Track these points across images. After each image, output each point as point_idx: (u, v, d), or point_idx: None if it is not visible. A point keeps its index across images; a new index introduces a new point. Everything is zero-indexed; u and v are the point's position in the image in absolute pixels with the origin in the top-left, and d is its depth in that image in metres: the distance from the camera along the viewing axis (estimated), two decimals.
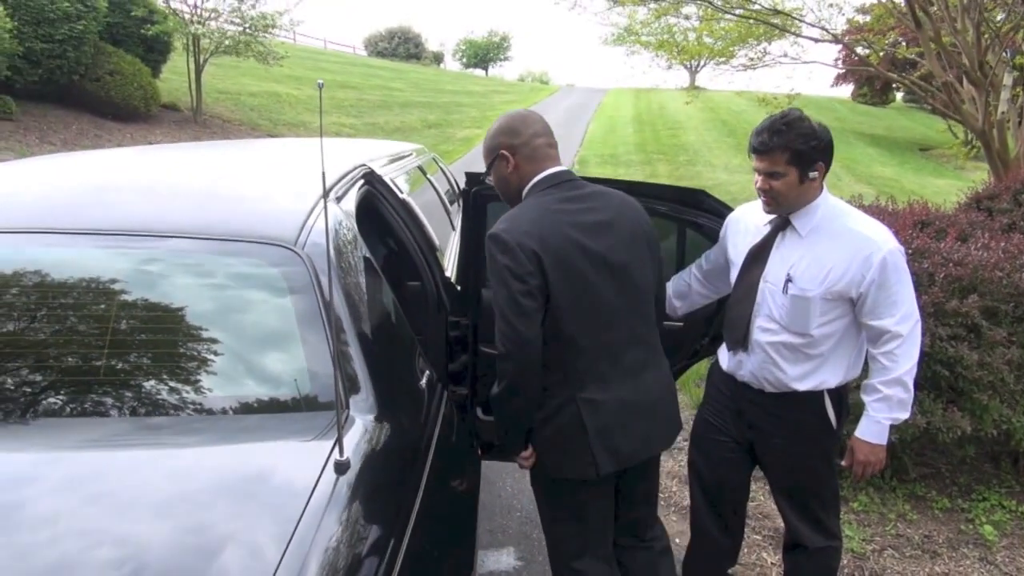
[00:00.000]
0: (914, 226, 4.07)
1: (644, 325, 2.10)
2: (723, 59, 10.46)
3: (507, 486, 3.63)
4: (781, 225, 2.32)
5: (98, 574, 1.11)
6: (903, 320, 2.19)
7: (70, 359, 1.63)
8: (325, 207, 1.57)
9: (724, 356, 2.52)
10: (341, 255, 1.92)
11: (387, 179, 2.90)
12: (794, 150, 2.16)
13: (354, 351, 1.70)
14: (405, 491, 1.53)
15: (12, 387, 1.57)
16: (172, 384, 1.62)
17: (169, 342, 1.69)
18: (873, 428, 2.25)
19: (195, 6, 16.40)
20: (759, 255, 2.37)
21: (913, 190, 15.36)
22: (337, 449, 1.37)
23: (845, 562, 3.02)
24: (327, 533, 1.24)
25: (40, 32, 13.02)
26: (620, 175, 15.45)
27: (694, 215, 2.79)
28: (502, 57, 55.35)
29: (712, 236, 2.64)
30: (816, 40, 9.07)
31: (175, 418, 1.56)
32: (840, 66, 10.49)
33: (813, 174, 2.20)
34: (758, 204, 2.47)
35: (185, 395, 1.60)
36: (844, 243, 2.21)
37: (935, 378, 3.19)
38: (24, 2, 12.85)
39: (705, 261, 2.64)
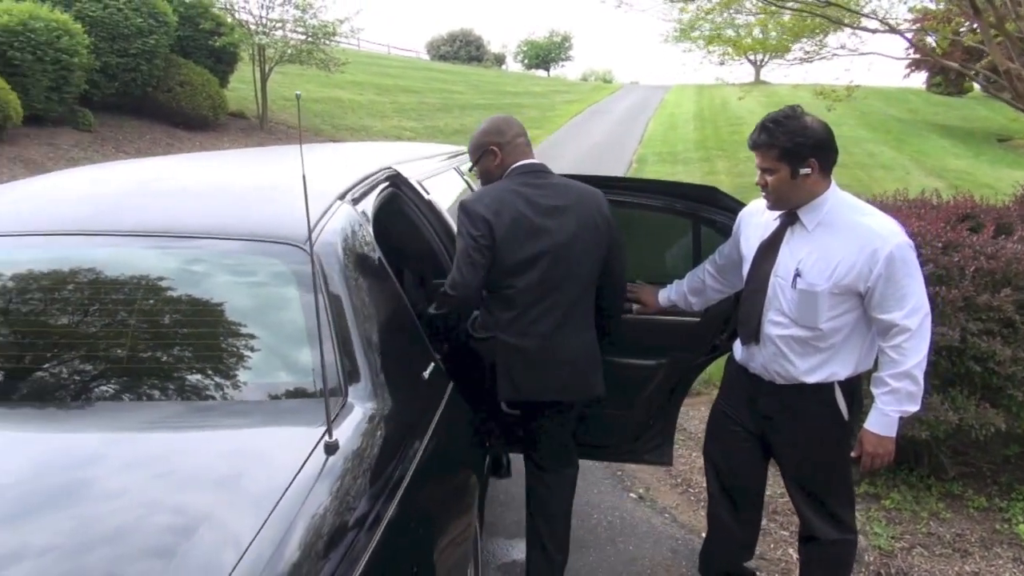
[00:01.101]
0: (958, 219, 3.97)
1: (570, 297, 2.49)
2: (778, 53, 10.28)
3: None
4: (789, 220, 2.34)
5: (117, 522, 1.25)
6: (911, 314, 2.18)
7: (100, 348, 1.78)
8: (307, 211, 1.68)
9: (738, 348, 2.55)
10: (350, 254, 2.03)
11: (413, 181, 3.00)
12: (782, 147, 2.20)
13: (356, 344, 1.81)
14: (396, 475, 1.63)
15: (31, 385, 1.73)
16: (192, 372, 1.76)
17: (190, 335, 1.83)
18: (882, 420, 2.25)
19: (260, 17, 16.94)
20: (769, 249, 2.39)
21: (988, 183, 14.77)
22: (327, 431, 1.48)
23: (872, 559, 3.00)
24: (310, 507, 1.34)
25: (115, 47, 13.68)
26: (678, 172, 15.31)
27: (708, 211, 2.82)
28: (563, 57, 55.26)
29: (726, 232, 2.67)
30: (872, 31, 8.85)
31: (191, 403, 1.70)
32: (906, 56, 10.11)
33: (805, 170, 2.22)
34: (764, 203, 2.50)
35: (200, 382, 1.74)
36: (851, 237, 2.22)
37: (968, 374, 3.14)
38: (101, 19, 13.52)
39: (719, 256, 2.67)
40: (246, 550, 1.21)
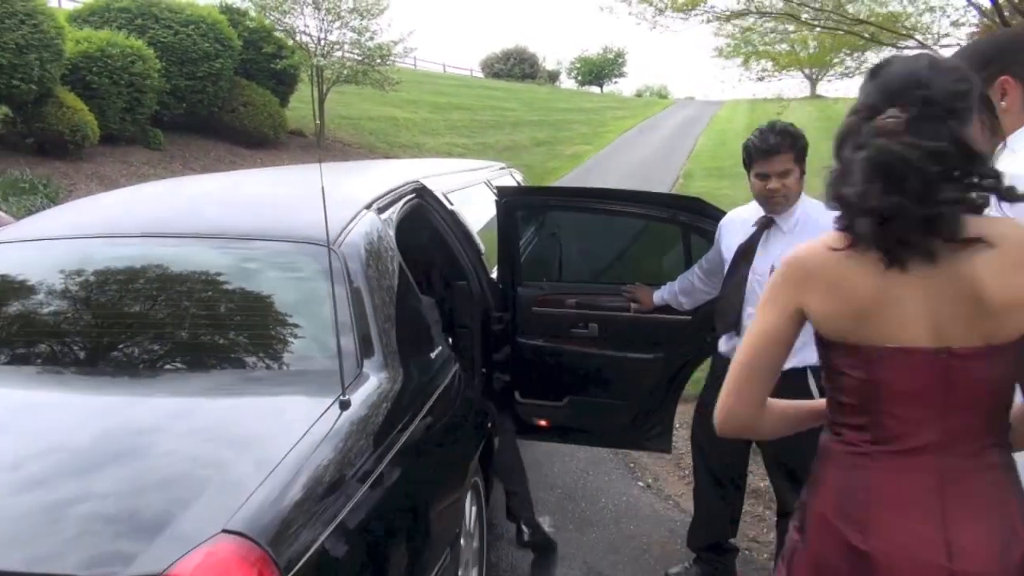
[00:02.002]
0: None
1: None
2: (817, 68, 10.43)
3: (554, 467, 4.03)
4: (766, 224, 2.64)
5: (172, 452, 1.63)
6: None
7: (167, 328, 2.19)
8: (325, 219, 2.06)
9: (722, 340, 2.84)
10: (371, 254, 2.40)
11: (438, 193, 3.38)
12: (797, 149, 2.51)
13: (372, 327, 2.18)
14: (399, 430, 1.99)
15: (107, 358, 2.14)
16: (232, 353, 2.15)
17: (237, 318, 2.23)
18: None
19: (319, 40, 17.72)
20: (747, 251, 2.69)
21: None
22: (342, 392, 1.85)
23: None
24: (319, 451, 1.70)
25: (184, 71, 14.53)
26: (723, 187, 15.43)
27: (696, 220, 3.13)
28: (617, 73, 55.52)
29: (711, 238, 2.98)
30: (914, 48, 8.98)
31: (238, 372, 2.08)
32: None
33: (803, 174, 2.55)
34: (746, 207, 2.80)
35: (242, 360, 2.13)
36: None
37: None
38: (171, 44, 14.39)
39: (705, 261, 2.98)
40: (272, 471, 1.57)
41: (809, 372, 2.59)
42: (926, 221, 1.23)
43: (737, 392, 1.43)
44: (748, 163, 2.63)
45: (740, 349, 1.44)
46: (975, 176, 1.26)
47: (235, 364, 2.10)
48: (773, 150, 2.55)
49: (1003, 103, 1.64)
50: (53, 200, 10.26)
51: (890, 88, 1.30)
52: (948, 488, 1.29)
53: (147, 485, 1.54)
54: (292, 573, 1.43)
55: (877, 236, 1.26)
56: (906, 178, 1.22)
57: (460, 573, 2.35)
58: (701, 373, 3.53)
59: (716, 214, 3.02)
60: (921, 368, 1.29)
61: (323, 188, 2.06)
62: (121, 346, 2.14)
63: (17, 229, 2.63)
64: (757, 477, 3.53)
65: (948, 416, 1.30)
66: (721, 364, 2.86)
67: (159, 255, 2.32)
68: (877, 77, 1.35)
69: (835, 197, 1.32)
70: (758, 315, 1.42)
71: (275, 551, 1.41)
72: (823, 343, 1.38)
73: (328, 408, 1.83)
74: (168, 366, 2.09)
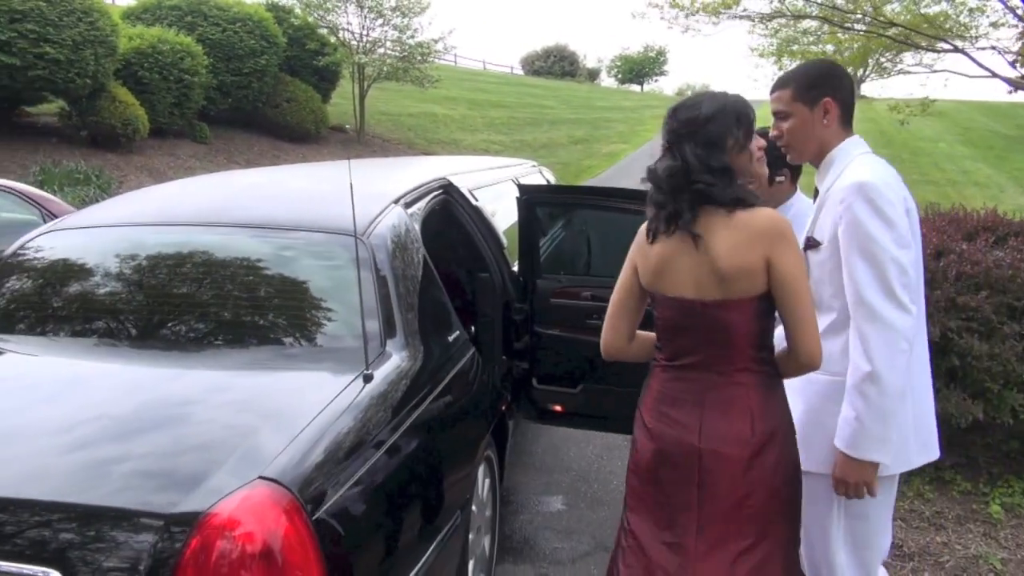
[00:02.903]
0: (980, 232, 4.25)
1: None
2: (849, 68, 10.41)
3: (569, 451, 4.23)
4: None
5: (214, 412, 1.88)
6: None
7: (213, 308, 2.44)
8: (353, 212, 2.30)
9: None
10: (397, 244, 2.63)
11: (464, 189, 3.60)
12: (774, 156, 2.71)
13: (395, 310, 2.40)
14: (415, 402, 2.21)
15: (159, 333, 2.40)
16: (269, 330, 2.40)
17: (275, 300, 2.47)
18: None
19: (361, 37, 18.09)
20: None
21: None
22: (366, 366, 2.08)
23: None
24: (345, 415, 1.93)
25: (231, 67, 14.99)
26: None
27: None
28: (658, 72, 55.27)
29: None
30: (947, 51, 8.98)
31: (277, 348, 2.33)
32: (978, 75, 10.06)
33: (780, 178, 2.73)
34: None
35: (278, 336, 2.37)
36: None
37: (951, 368, 3.49)
38: (219, 41, 14.86)
39: None
40: (301, 431, 1.81)
41: None
42: (669, 216, 1.88)
43: (612, 327, 2.08)
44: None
45: (612, 296, 2.07)
46: (708, 182, 1.84)
47: (271, 342, 2.34)
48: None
49: (825, 120, 2.05)
50: (105, 191, 10.74)
51: (664, 123, 1.96)
52: (707, 394, 1.91)
53: (193, 439, 1.79)
54: (315, 517, 1.66)
55: (650, 223, 1.95)
56: (660, 187, 1.91)
57: (471, 537, 2.56)
58: None
59: None
60: (688, 312, 1.91)
61: (351, 183, 2.30)
62: (168, 324, 2.39)
63: (81, 217, 2.91)
64: None
65: (707, 346, 1.91)
66: None
67: (205, 242, 2.57)
68: (692, 104, 1.94)
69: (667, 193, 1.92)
70: (623, 270, 2.05)
71: (303, 497, 1.64)
72: (648, 293, 2.01)
73: (352, 381, 2.06)
74: (210, 342, 2.34)
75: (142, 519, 1.57)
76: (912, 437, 2.03)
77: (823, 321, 2.01)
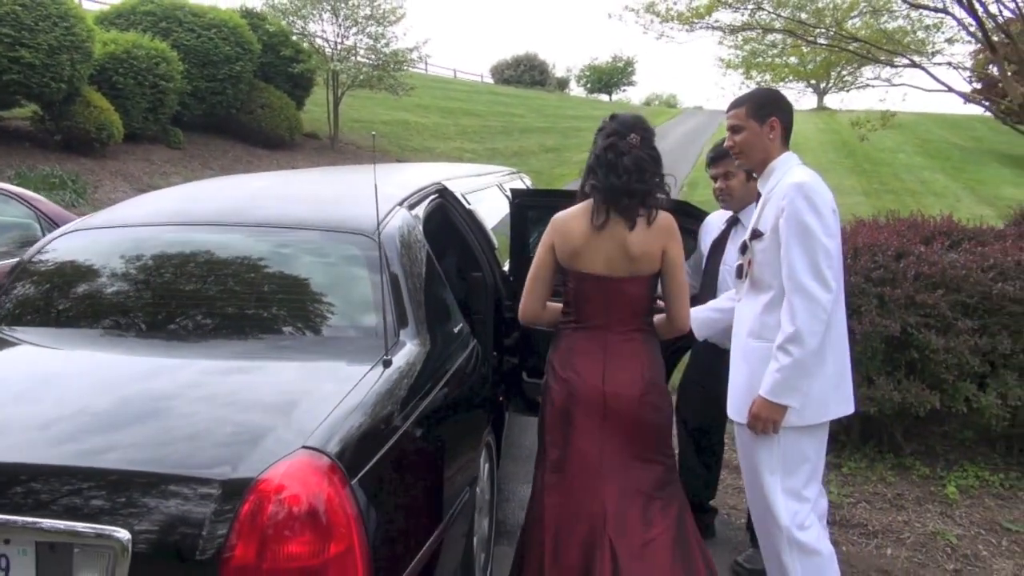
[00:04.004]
0: (936, 236, 4.56)
1: None
2: (816, 81, 10.83)
3: None
4: (733, 222, 3.09)
5: (252, 393, 2.06)
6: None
7: (238, 302, 2.61)
8: (377, 212, 2.49)
9: None
10: (403, 243, 2.83)
11: (457, 193, 3.81)
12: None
13: (406, 302, 2.60)
14: (428, 385, 2.41)
15: (193, 323, 2.57)
16: (293, 320, 2.58)
17: (297, 294, 2.65)
18: None
19: (336, 45, 18.21)
20: (718, 246, 3.15)
21: None
22: (385, 352, 2.28)
23: None
24: (370, 395, 2.12)
25: (205, 73, 15.02)
26: None
27: (683, 221, 3.54)
28: (626, 82, 55.94)
29: (694, 235, 3.39)
30: (905, 66, 9.40)
31: (301, 338, 2.51)
32: (935, 89, 10.53)
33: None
34: (720, 212, 3.25)
35: (302, 325, 2.56)
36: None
37: (910, 361, 3.77)
38: (194, 47, 14.89)
39: (691, 259, 3.40)
40: (335, 408, 1.99)
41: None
42: (635, 194, 2.47)
43: (531, 296, 2.63)
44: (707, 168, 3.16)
45: (530, 272, 2.62)
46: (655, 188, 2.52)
47: (299, 331, 2.53)
48: (719, 157, 3.10)
49: (771, 135, 2.51)
50: (81, 195, 10.75)
51: (627, 124, 2.54)
52: (609, 348, 2.52)
53: (241, 415, 1.98)
54: (352, 482, 1.85)
55: (597, 206, 2.48)
56: (633, 171, 2.47)
57: (475, 515, 2.77)
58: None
59: (701, 215, 3.44)
60: (598, 284, 2.50)
61: (375, 186, 2.52)
62: (205, 317, 2.56)
63: (108, 216, 3.06)
64: (735, 454, 3.93)
65: (610, 311, 2.52)
66: (699, 349, 3.28)
67: (233, 241, 2.75)
68: (615, 119, 2.58)
69: (591, 183, 2.52)
70: (539, 250, 2.60)
71: (341, 463, 1.83)
72: (562, 270, 2.57)
73: (375, 365, 2.26)
74: (246, 333, 2.51)
75: (201, 484, 1.75)
76: (832, 392, 2.45)
77: (763, 298, 2.49)
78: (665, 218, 2.52)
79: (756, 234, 2.51)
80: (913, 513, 3.61)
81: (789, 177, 2.43)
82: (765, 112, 2.51)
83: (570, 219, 2.55)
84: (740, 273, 2.61)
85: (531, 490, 2.69)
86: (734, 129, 2.57)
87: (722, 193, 3.12)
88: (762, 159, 2.54)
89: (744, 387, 2.50)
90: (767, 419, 2.40)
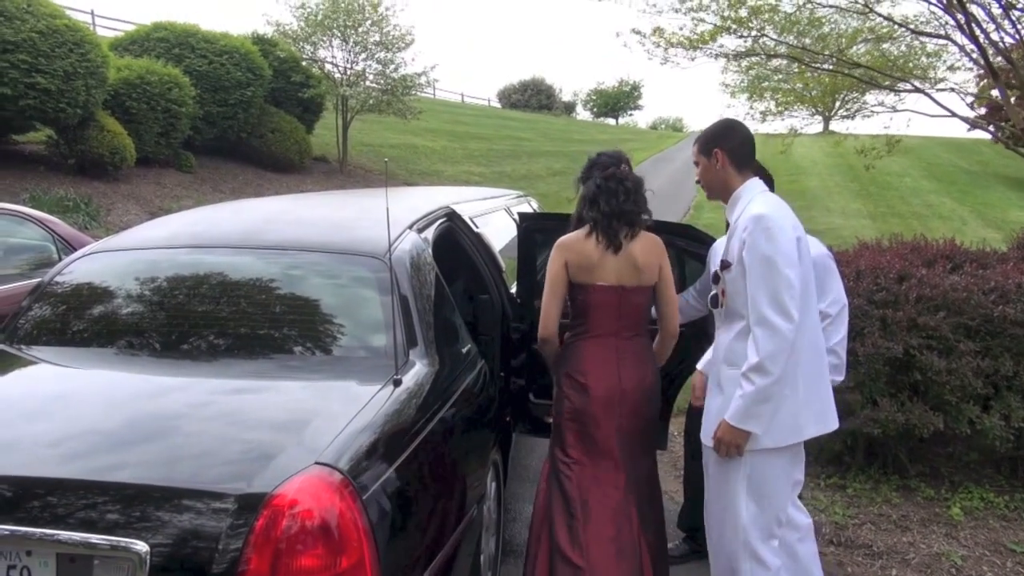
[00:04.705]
0: (939, 259, 4.60)
1: None
2: (820, 108, 10.95)
3: None
4: None
5: (266, 413, 2.12)
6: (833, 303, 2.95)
7: (252, 323, 2.68)
8: (389, 236, 2.56)
9: (704, 359, 3.29)
10: (413, 265, 2.90)
11: (466, 217, 3.88)
12: (700, 143, 3.02)
13: (416, 323, 2.67)
14: (436, 404, 2.47)
15: (208, 342, 2.63)
16: (305, 340, 2.64)
17: (310, 314, 2.72)
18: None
19: (345, 70, 18.44)
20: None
21: None
22: (395, 372, 2.34)
23: (828, 531, 3.67)
24: (381, 413, 2.18)
25: (217, 98, 15.23)
26: None
27: (689, 245, 3.60)
28: (632, 106, 56.31)
29: (701, 259, 3.45)
30: (909, 91, 9.48)
31: (313, 357, 2.57)
32: (939, 115, 10.61)
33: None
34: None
35: (313, 345, 2.62)
36: None
37: (914, 383, 3.81)
38: (206, 73, 15.10)
39: (699, 283, 3.45)
40: (347, 425, 2.05)
41: None
42: (627, 215, 2.81)
43: (549, 313, 2.84)
44: None
45: (545, 291, 2.86)
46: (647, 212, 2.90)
47: (311, 350, 2.59)
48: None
49: (719, 166, 2.66)
50: (94, 218, 10.88)
51: (616, 156, 2.93)
52: (620, 351, 2.82)
53: (256, 432, 2.04)
54: (364, 497, 1.90)
55: (605, 229, 2.79)
56: (632, 193, 2.84)
57: (483, 533, 2.81)
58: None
59: (708, 240, 3.50)
60: (612, 295, 2.79)
61: (387, 210, 2.57)
62: (218, 336, 2.63)
63: (123, 239, 3.14)
64: None
65: (620, 318, 2.82)
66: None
67: (244, 263, 2.82)
68: (604, 155, 2.94)
69: (592, 212, 2.83)
70: (552, 269, 2.84)
71: (353, 479, 1.89)
72: (570, 283, 2.83)
73: (385, 384, 2.32)
74: (258, 352, 2.57)
75: (217, 499, 1.80)
76: (802, 414, 2.52)
77: (735, 326, 2.59)
78: (657, 239, 2.89)
79: (725, 264, 2.61)
80: (918, 534, 3.62)
81: (750, 208, 2.53)
82: (709, 146, 2.67)
83: (581, 240, 2.83)
84: (715, 303, 2.72)
85: (543, 481, 2.92)
86: (696, 165, 2.75)
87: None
88: (722, 189, 2.68)
89: (715, 412, 2.59)
90: (730, 443, 2.50)
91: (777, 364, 2.39)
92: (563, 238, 2.87)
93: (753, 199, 2.57)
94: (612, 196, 2.79)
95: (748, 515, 2.54)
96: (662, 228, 3.78)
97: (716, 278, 2.69)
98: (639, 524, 2.78)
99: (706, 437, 2.63)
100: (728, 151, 2.64)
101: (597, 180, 2.84)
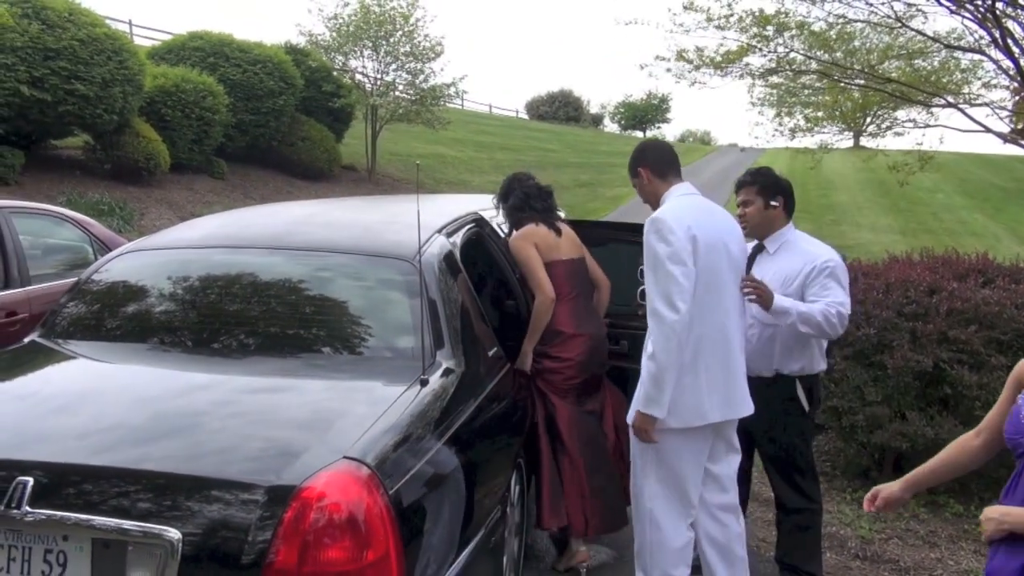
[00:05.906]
0: (970, 273, 4.54)
1: None
2: (850, 124, 10.87)
3: None
4: (758, 248, 3.16)
5: (297, 411, 2.16)
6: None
7: (286, 322, 2.72)
8: (419, 239, 2.60)
9: None
10: (441, 268, 2.93)
11: (493, 223, 3.91)
12: (759, 185, 3.06)
13: (443, 325, 2.70)
14: (463, 403, 2.49)
15: (238, 341, 2.68)
16: (334, 340, 2.68)
17: (341, 315, 2.76)
18: None
19: (376, 80, 18.64)
20: (746, 270, 3.19)
21: None
22: (422, 372, 2.37)
23: (853, 544, 3.63)
24: (407, 412, 2.21)
25: (250, 106, 15.46)
26: None
27: (616, 234, 3.67)
28: (660, 119, 56.18)
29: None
30: (942, 106, 9.39)
31: (344, 356, 2.61)
32: (971, 129, 10.47)
33: (774, 203, 3.05)
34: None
35: (342, 345, 2.66)
36: (798, 258, 3.01)
37: (943, 397, 3.76)
38: (240, 82, 15.35)
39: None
40: (375, 422, 2.08)
41: (797, 382, 3.04)
42: (552, 209, 3.63)
43: (544, 279, 3.32)
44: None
45: (534, 270, 3.35)
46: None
47: (340, 350, 2.63)
48: (738, 187, 3.24)
49: (646, 180, 2.93)
50: (128, 221, 11.08)
51: (525, 173, 3.79)
52: (588, 309, 3.45)
53: (287, 427, 2.08)
54: (391, 492, 1.92)
55: (546, 219, 3.51)
56: (549, 195, 3.66)
57: (506, 535, 2.82)
58: None
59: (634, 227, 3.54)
60: (572, 266, 3.42)
61: (419, 213, 2.61)
62: (247, 335, 2.68)
63: (159, 239, 3.21)
64: (765, 488, 3.94)
65: (580, 284, 3.47)
66: None
67: (276, 264, 2.88)
68: (517, 174, 3.80)
69: (529, 212, 3.56)
70: (528, 253, 3.39)
71: (381, 474, 1.91)
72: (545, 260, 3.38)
73: (412, 383, 2.35)
74: (286, 351, 2.62)
75: (247, 491, 1.84)
76: (706, 400, 2.71)
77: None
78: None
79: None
80: (946, 551, 3.58)
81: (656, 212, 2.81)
82: (634, 167, 2.99)
83: (535, 229, 3.46)
84: (643, 296, 2.97)
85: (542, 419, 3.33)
86: (634, 187, 3.06)
87: (740, 220, 3.18)
88: (654, 199, 2.94)
89: (634, 400, 2.84)
90: (639, 427, 2.74)
91: (667, 352, 2.60)
92: (521, 231, 3.48)
93: (665, 202, 2.85)
94: (539, 198, 3.56)
95: (652, 491, 2.80)
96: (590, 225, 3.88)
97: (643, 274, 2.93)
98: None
99: (629, 420, 2.84)
100: (649, 167, 2.93)
101: (524, 188, 3.61)
